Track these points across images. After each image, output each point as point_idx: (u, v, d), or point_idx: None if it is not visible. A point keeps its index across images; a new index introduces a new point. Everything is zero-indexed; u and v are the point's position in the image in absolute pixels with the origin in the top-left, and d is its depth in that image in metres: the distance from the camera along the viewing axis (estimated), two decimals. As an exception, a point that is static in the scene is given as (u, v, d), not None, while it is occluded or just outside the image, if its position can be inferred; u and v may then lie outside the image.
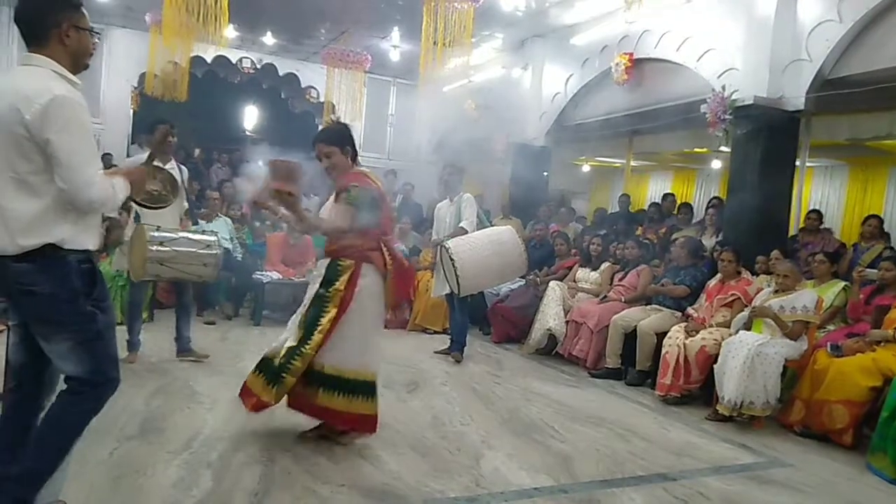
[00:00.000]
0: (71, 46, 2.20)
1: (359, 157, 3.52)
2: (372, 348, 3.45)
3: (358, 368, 3.36)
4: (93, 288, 2.28)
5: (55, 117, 2.06)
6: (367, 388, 3.39)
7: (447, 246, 5.11)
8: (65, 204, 2.15)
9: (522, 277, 6.45)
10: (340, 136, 3.43)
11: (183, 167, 5.01)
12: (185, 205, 4.92)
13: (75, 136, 2.11)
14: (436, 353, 5.95)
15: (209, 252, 4.49)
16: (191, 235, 4.56)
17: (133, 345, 4.82)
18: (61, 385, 2.32)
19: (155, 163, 3.09)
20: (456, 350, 5.78)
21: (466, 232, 5.45)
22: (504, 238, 5.34)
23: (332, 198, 3.44)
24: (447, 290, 5.61)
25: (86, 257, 2.27)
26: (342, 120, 10.61)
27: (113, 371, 2.30)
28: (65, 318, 2.19)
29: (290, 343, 3.31)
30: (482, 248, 5.19)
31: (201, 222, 6.38)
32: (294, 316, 3.44)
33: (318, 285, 3.34)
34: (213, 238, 4.61)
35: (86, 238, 2.26)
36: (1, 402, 2.40)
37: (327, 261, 3.38)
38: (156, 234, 4.26)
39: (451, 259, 5.03)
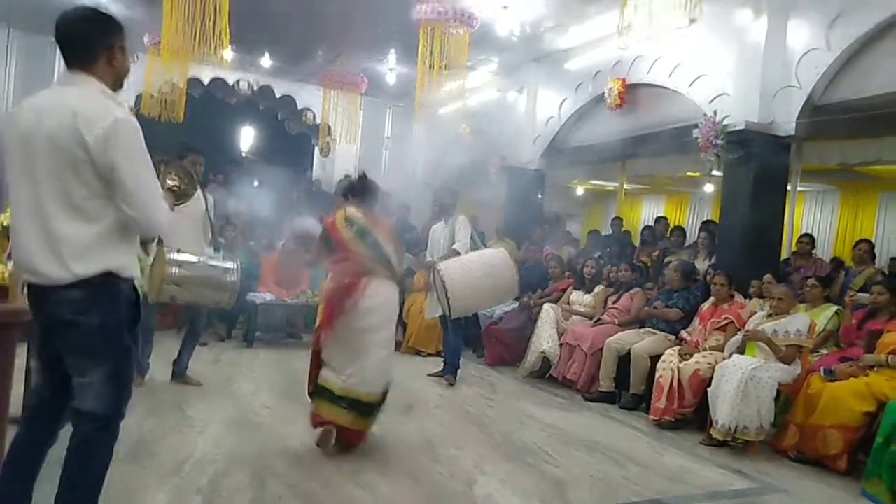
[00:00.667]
0: (117, 67, 2.18)
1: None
2: None
3: None
4: (136, 321, 2.23)
5: (119, 141, 2.01)
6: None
7: (438, 268, 5.10)
8: (120, 230, 2.09)
9: (516, 300, 6.44)
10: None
11: (209, 195, 4.93)
12: (209, 234, 4.82)
13: (140, 160, 2.07)
14: (429, 375, 5.92)
15: (228, 278, 4.41)
16: (210, 261, 4.49)
17: (142, 368, 4.77)
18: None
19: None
20: (449, 373, 5.76)
21: (459, 254, 5.45)
22: (496, 260, 5.31)
23: None
24: (440, 312, 5.58)
25: (132, 286, 2.20)
26: (339, 143, 10.68)
27: (125, 406, 2.22)
28: (107, 350, 2.11)
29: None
30: (473, 269, 5.17)
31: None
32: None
33: None
34: (232, 264, 4.52)
35: (133, 266, 2.20)
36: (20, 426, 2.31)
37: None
38: (176, 256, 4.22)
39: (442, 281, 5.01)
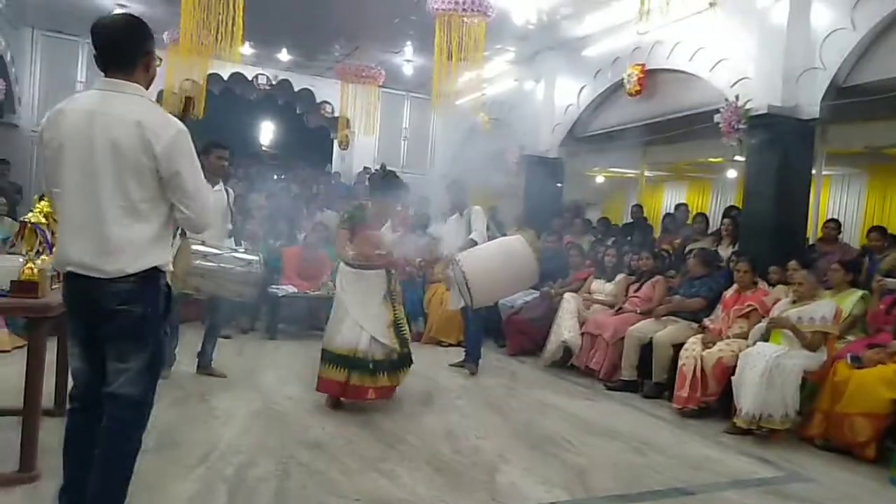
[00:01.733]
0: (151, 73, 2.31)
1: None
2: None
3: None
4: (169, 311, 2.40)
5: (182, 150, 2.19)
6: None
7: (457, 258, 5.06)
8: (165, 227, 2.28)
9: (535, 288, 6.41)
10: None
11: (230, 189, 5.00)
12: (230, 226, 4.90)
13: (195, 166, 2.25)
14: (451, 365, 5.95)
15: (251, 270, 4.46)
16: (234, 253, 4.54)
17: (168, 360, 4.85)
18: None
19: None
20: (471, 363, 5.78)
21: (477, 243, 5.43)
22: (513, 247, 5.27)
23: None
24: (463, 304, 5.56)
25: (167, 280, 2.36)
26: (358, 135, 10.71)
27: (154, 395, 2.38)
28: (148, 337, 2.27)
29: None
30: (492, 257, 5.14)
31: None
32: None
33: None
34: (255, 257, 4.57)
35: (169, 257, 2.37)
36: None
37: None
38: (200, 247, 4.27)
39: (462, 271, 4.95)
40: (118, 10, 8.52)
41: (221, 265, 4.31)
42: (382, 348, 4.32)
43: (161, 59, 2.15)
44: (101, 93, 2.22)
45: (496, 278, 5.06)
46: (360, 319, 4.30)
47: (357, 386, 4.25)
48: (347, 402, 4.38)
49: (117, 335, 2.24)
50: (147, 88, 2.29)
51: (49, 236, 3.70)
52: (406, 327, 4.57)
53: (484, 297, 5.17)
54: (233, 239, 4.92)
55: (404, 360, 4.49)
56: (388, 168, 4.46)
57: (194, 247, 4.23)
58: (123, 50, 2.23)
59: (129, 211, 2.17)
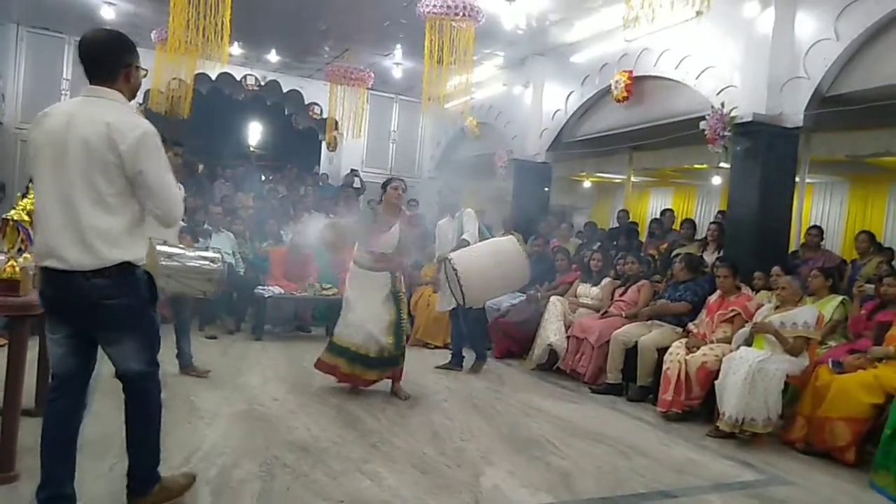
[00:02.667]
0: (133, 83, 2.50)
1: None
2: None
3: None
4: (154, 296, 2.60)
5: (146, 149, 2.34)
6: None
7: (450, 258, 5.10)
8: (137, 223, 2.44)
9: (521, 291, 6.44)
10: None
11: (181, 185, 5.05)
12: (181, 223, 4.95)
13: (162, 164, 2.40)
14: (437, 368, 5.96)
15: (214, 267, 4.50)
16: (197, 252, 4.58)
17: (185, 357, 4.97)
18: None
19: None
20: (479, 359, 5.97)
21: (469, 244, 5.47)
22: (505, 247, 5.35)
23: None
24: (452, 305, 5.64)
25: (144, 270, 2.52)
26: (346, 137, 10.70)
27: (156, 359, 2.63)
28: (137, 323, 2.49)
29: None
30: (484, 256, 5.22)
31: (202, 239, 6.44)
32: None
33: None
34: (217, 254, 4.64)
35: (143, 253, 2.53)
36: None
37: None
38: (164, 247, 4.28)
39: (454, 269, 4.98)
40: (106, 8, 8.47)
41: (186, 264, 4.35)
42: (377, 345, 4.67)
43: (147, 71, 2.46)
44: (83, 98, 2.43)
45: (488, 276, 5.12)
46: (362, 317, 4.67)
47: (348, 374, 4.73)
48: (335, 400, 4.36)
49: (105, 326, 2.44)
50: (131, 97, 2.49)
51: (31, 234, 3.67)
52: (406, 329, 4.90)
53: (476, 295, 5.23)
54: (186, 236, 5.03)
55: (395, 360, 4.82)
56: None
57: (159, 248, 4.24)
58: (104, 63, 2.42)
59: (98, 203, 2.32)
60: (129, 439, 2.60)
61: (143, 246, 2.50)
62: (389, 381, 4.92)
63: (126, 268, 2.40)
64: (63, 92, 9.92)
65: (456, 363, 5.95)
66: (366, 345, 4.66)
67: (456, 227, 5.79)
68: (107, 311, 2.38)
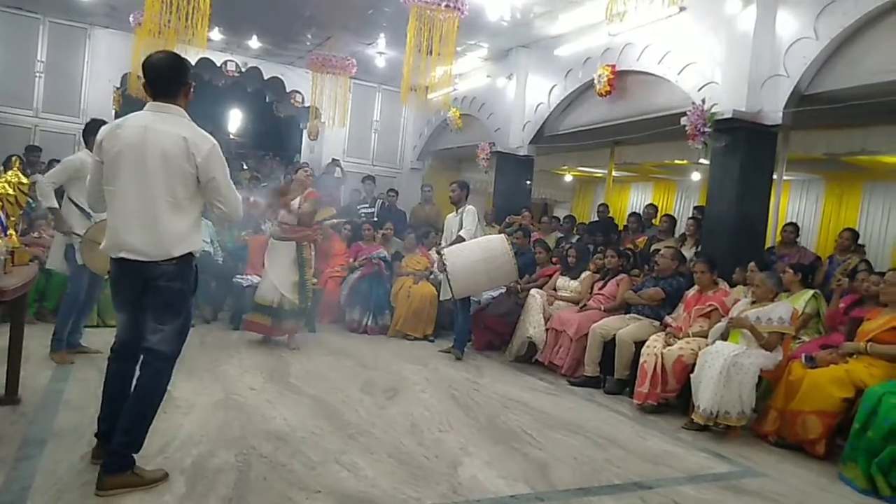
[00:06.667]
0: (189, 100, 2.88)
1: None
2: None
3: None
4: (196, 285, 2.95)
5: (216, 160, 2.77)
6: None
7: (442, 252, 5.88)
8: (199, 219, 2.86)
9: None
10: None
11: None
12: None
13: (227, 172, 2.84)
14: (440, 351, 6.35)
15: None
16: None
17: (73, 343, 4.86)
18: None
19: None
20: (458, 348, 6.18)
21: (464, 240, 6.07)
22: (493, 245, 5.93)
23: None
24: (449, 296, 6.18)
25: (195, 261, 2.91)
26: (328, 126, 10.61)
27: (181, 350, 2.95)
28: (182, 307, 2.87)
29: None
30: (472, 253, 5.82)
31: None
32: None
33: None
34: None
35: (201, 242, 2.97)
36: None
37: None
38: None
39: (444, 264, 5.78)
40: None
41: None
42: (288, 302, 5.73)
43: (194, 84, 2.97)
44: (151, 113, 2.78)
45: (475, 271, 5.79)
46: (274, 278, 5.76)
47: (269, 326, 5.81)
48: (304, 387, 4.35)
49: (160, 304, 2.80)
50: (186, 109, 2.84)
51: (4, 219, 3.60)
52: (309, 289, 5.88)
53: (463, 288, 5.90)
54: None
55: (301, 312, 5.93)
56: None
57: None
58: (168, 83, 2.80)
59: (174, 206, 2.73)
60: (125, 411, 2.79)
61: (200, 238, 2.93)
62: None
63: (188, 257, 2.81)
64: (37, 74, 9.70)
65: (457, 346, 6.24)
66: (278, 300, 5.73)
67: (458, 221, 6.32)
68: (165, 292, 2.77)
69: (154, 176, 2.69)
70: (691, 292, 5.34)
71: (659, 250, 6.12)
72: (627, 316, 5.67)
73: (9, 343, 3.72)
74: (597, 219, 9.14)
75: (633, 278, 6.16)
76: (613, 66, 7.28)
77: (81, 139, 5.09)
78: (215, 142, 2.80)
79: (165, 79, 2.80)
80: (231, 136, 16.13)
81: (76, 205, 4.54)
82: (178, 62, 2.86)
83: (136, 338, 2.87)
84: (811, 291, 5.12)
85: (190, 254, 2.82)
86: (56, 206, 4.59)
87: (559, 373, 5.81)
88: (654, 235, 7.38)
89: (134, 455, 2.81)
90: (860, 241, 6.68)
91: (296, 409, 4.17)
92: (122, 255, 2.75)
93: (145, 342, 2.83)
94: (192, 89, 2.89)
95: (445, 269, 5.85)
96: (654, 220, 8.03)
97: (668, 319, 5.33)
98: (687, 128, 6.02)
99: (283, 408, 4.16)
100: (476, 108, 10.13)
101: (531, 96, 9.01)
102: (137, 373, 2.87)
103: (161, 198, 2.70)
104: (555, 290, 6.53)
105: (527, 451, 3.80)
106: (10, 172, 3.73)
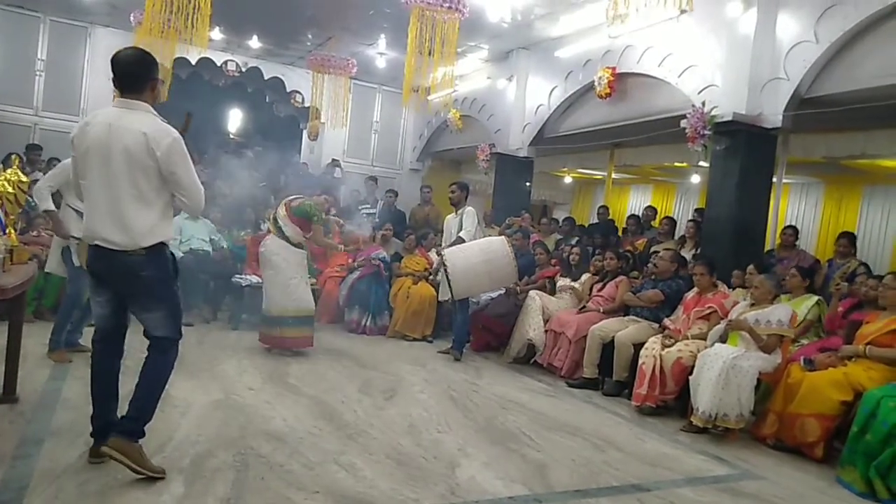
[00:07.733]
0: (156, 93, 2.96)
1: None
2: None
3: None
4: (177, 273, 3.05)
5: (177, 154, 2.83)
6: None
7: (442, 254, 5.87)
8: (166, 210, 2.94)
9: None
10: None
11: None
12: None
13: (188, 165, 2.89)
14: (439, 353, 6.30)
15: None
16: None
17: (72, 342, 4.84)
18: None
19: None
20: (456, 349, 6.15)
21: (465, 241, 6.07)
22: (493, 247, 5.93)
23: None
24: (448, 296, 6.15)
25: (170, 250, 3.01)
26: (328, 126, 10.60)
27: (181, 330, 3.07)
28: (162, 294, 2.95)
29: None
30: (473, 255, 5.82)
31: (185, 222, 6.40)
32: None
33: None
34: None
35: (171, 233, 3.08)
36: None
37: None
38: None
39: (444, 265, 5.76)
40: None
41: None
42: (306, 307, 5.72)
43: (162, 81, 3.29)
44: (117, 109, 2.87)
45: (475, 273, 5.79)
46: (287, 286, 5.65)
47: (294, 337, 5.68)
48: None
49: (137, 293, 2.92)
50: (153, 104, 2.91)
51: (3, 217, 3.60)
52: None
53: (463, 289, 5.90)
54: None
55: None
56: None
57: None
58: (135, 79, 2.87)
59: (139, 199, 2.81)
60: (136, 391, 2.97)
61: (171, 228, 3.03)
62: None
63: (157, 247, 2.88)
64: (38, 72, 9.71)
65: (456, 347, 6.22)
66: (301, 308, 5.67)
67: (458, 223, 6.30)
68: (139, 281, 2.86)
69: (119, 171, 2.78)
70: (690, 294, 5.34)
71: (658, 252, 6.13)
72: (626, 318, 5.67)
73: (7, 341, 3.72)
74: (596, 221, 9.14)
75: (633, 280, 6.15)
76: (614, 69, 7.29)
77: None
78: (177, 135, 2.86)
79: (132, 75, 2.87)
80: (231, 136, 16.11)
81: (73, 208, 4.52)
82: (144, 58, 2.92)
83: (117, 326, 3.00)
84: (815, 298, 5.10)
85: (161, 243, 2.91)
86: (52, 209, 4.56)
87: (558, 374, 5.81)
88: (654, 237, 7.38)
89: (144, 430, 2.96)
90: (859, 246, 6.67)
91: (294, 409, 4.17)
92: (96, 242, 2.87)
93: (145, 332, 2.96)
94: (158, 84, 2.97)
95: (446, 270, 5.80)
96: (653, 223, 8.04)
97: (666, 322, 5.33)
98: (687, 130, 6.02)
99: (281, 408, 4.15)
100: (476, 109, 10.13)
101: (531, 98, 9.01)
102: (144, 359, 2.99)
103: (126, 192, 2.79)
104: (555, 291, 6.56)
105: (525, 452, 3.79)
106: (9, 171, 3.73)
